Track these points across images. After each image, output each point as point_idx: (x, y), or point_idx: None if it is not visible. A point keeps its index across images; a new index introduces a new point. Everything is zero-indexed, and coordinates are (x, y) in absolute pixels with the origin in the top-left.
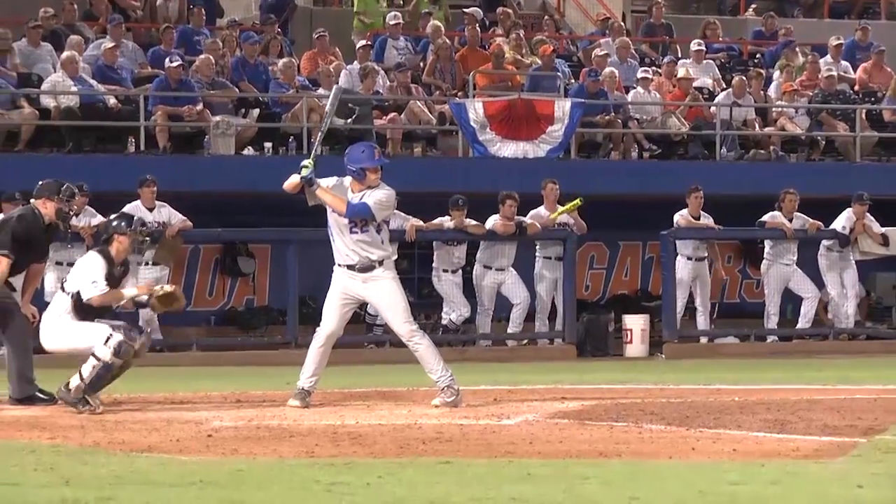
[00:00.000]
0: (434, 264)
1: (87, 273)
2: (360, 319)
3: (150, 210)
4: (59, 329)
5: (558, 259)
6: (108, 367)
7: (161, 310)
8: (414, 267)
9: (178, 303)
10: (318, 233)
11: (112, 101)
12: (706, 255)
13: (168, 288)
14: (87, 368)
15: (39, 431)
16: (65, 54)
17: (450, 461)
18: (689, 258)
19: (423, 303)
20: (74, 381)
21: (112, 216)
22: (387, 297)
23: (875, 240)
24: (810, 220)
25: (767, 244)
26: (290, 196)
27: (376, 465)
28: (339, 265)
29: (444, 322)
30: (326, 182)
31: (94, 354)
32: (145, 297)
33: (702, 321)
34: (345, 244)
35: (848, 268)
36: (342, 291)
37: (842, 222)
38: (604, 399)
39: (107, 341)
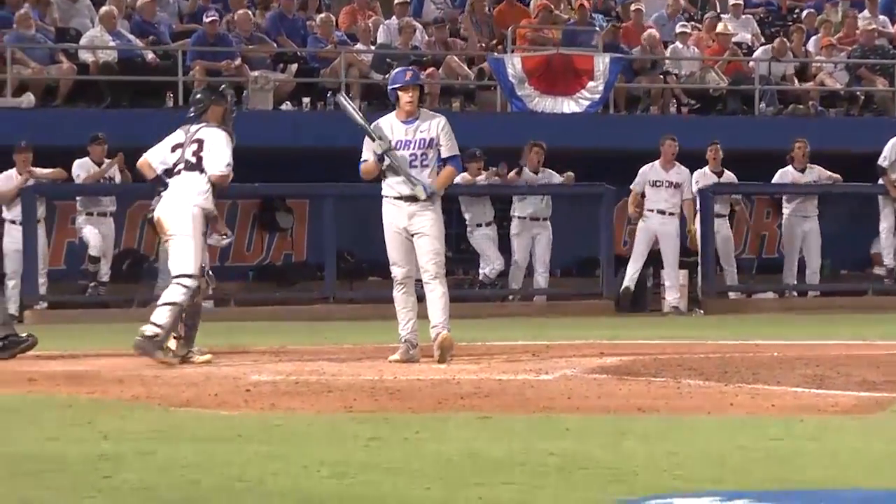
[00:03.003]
0: (467, 219)
1: (222, 151)
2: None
3: (99, 165)
4: (187, 219)
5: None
6: (180, 309)
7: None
8: (452, 222)
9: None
10: (355, 187)
11: (150, 55)
12: (726, 212)
13: None
14: (163, 315)
15: (78, 386)
16: (103, 9)
17: (488, 416)
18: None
19: (460, 258)
20: (150, 330)
21: (197, 90)
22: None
23: None
24: (827, 172)
25: (785, 199)
26: (328, 151)
27: (414, 420)
28: (387, 196)
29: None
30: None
31: (168, 302)
32: None
33: (729, 278)
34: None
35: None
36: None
37: (884, 153)
38: (642, 354)
39: (186, 282)
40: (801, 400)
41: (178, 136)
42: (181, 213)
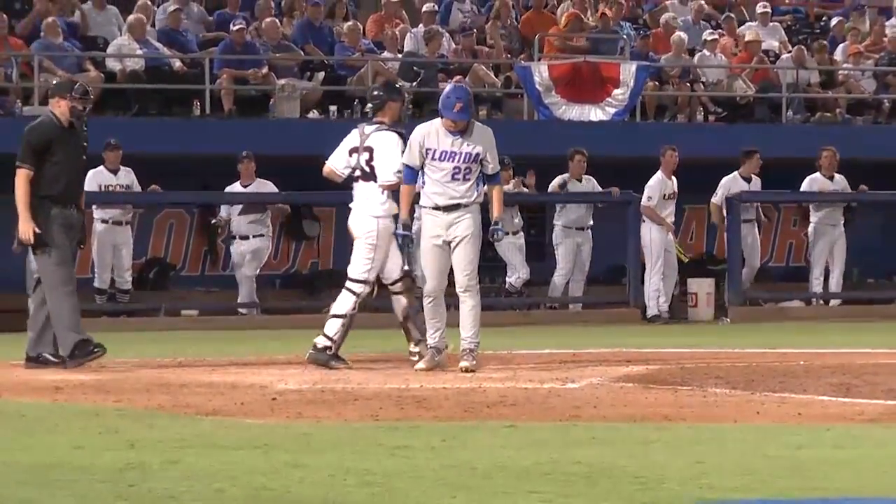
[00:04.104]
0: None
1: (390, 157)
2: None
3: (115, 173)
4: (369, 229)
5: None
6: (352, 318)
7: None
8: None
9: None
10: None
11: (177, 64)
12: (753, 217)
13: None
14: (333, 327)
15: (104, 394)
16: (132, 17)
17: (514, 425)
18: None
19: (487, 266)
20: (322, 342)
21: (378, 84)
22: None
23: None
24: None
25: (813, 207)
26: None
27: (441, 428)
28: (425, 207)
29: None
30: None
31: (336, 314)
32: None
33: (744, 276)
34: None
35: None
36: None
37: None
38: (669, 363)
39: (355, 287)
40: (827, 408)
41: (353, 137)
42: (363, 222)
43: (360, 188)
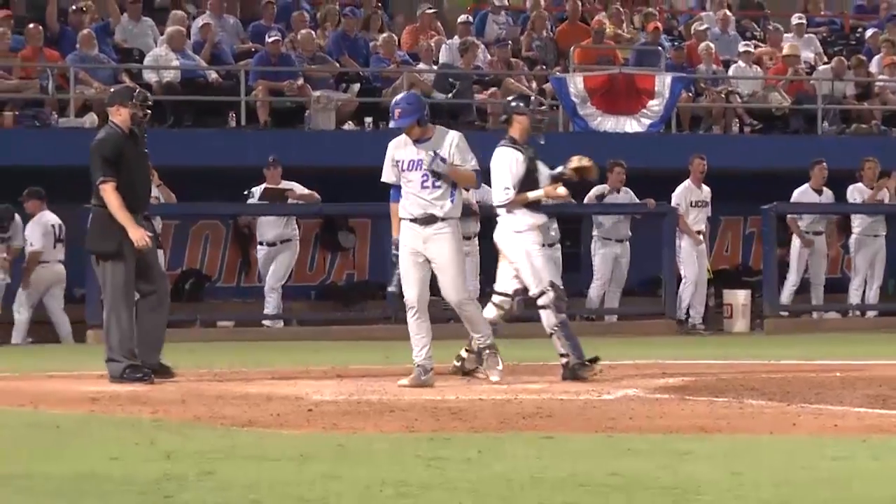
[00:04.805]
0: None
1: (498, 177)
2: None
3: (467, 191)
4: (514, 246)
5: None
6: (564, 325)
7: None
8: None
9: (592, 173)
10: None
11: (213, 75)
12: (823, 229)
13: (585, 161)
14: (556, 343)
15: (140, 406)
16: (172, 28)
17: (550, 436)
18: (806, 232)
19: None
20: (562, 361)
21: (510, 98)
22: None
23: None
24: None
25: (856, 218)
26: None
27: (476, 439)
28: (403, 219)
29: None
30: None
31: (551, 332)
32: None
33: (814, 296)
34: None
35: None
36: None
37: None
38: (704, 374)
39: (543, 301)
40: (863, 420)
41: None
42: (508, 240)
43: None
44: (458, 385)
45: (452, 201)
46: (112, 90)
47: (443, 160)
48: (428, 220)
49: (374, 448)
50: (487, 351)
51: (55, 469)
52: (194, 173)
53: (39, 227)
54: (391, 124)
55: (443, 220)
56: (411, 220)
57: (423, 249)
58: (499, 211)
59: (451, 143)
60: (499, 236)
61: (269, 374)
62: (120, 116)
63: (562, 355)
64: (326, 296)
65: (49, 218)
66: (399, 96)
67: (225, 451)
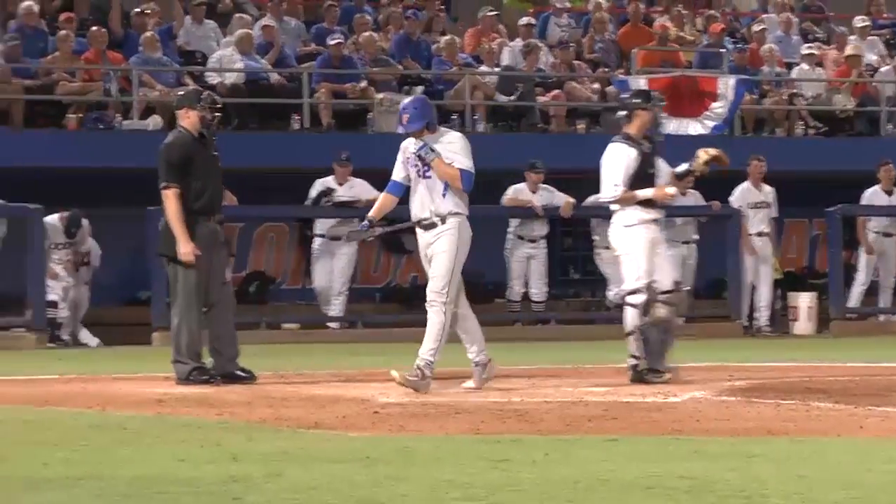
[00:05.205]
0: (595, 241)
1: (608, 172)
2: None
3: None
4: (623, 237)
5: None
6: (642, 332)
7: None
8: (580, 243)
9: (723, 160)
10: (482, 209)
11: (276, 78)
12: (894, 231)
13: (713, 151)
14: (632, 345)
15: (207, 408)
16: (240, 31)
17: (616, 438)
18: (877, 233)
19: (586, 279)
20: (631, 361)
21: (628, 93)
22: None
23: None
24: None
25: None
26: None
27: (542, 442)
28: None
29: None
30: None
31: (629, 332)
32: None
33: (881, 299)
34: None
35: None
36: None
37: None
38: (771, 377)
39: (631, 299)
40: None
41: None
42: (617, 234)
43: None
44: (524, 387)
45: (455, 201)
46: (180, 93)
47: (432, 149)
48: (429, 225)
49: (440, 450)
50: (419, 370)
51: (122, 471)
52: (258, 176)
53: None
54: (399, 129)
55: (443, 221)
56: (417, 225)
57: (427, 252)
58: (612, 207)
59: (449, 140)
60: (611, 232)
61: (334, 377)
62: (188, 120)
63: (633, 356)
64: (391, 298)
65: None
66: (406, 101)
67: (291, 453)
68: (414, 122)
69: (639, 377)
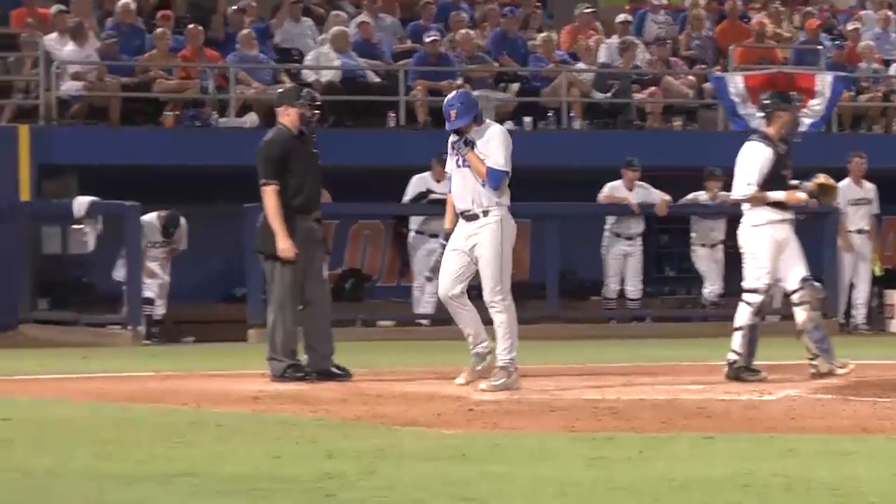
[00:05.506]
0: (691, 239)
1: (743, 170)
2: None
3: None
4: (752, 238)
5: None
6: (749, 330)
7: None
8: (676, 240)
9: (832, 196)
10: (577, 207)
11: (372, 75)
12: None
13: (831, 182)
14: (736, 341)
15: (302, 405)
16: (336, 28)
17: (712, 436)
18: None
19: (682, 277)
20: (731, 357)
21: (766, 94)
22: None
23: None
24: None
25: None
26: (549, 170)
27: (637, 439)
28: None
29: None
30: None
31: (737, 327)
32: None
33: None
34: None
35: None
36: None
37: None
38: (867, 374)
39: (749, 298)
40: None
41: None
42: (745, 233)
43: None
44: (619, 385)
45: (496, 194)
46: (280, 90)
47: (466, 142)
48: (471, 216)
49: (535, 447)
50: (502, 370)
51: (218, 468)
52: (353, 173)
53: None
54: (447, 126)
55: (484, 214)
56: (459, 215)
57: (465, 245)
58: (743, 206)
59: (489, 134)
60: (739, 230)
61: (429, 374)
62: (288, 117)
63: (734, 352)
64: None
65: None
66: (451, 95)
67: (386, 450)
68: (462, 118)
69: (735, 374)
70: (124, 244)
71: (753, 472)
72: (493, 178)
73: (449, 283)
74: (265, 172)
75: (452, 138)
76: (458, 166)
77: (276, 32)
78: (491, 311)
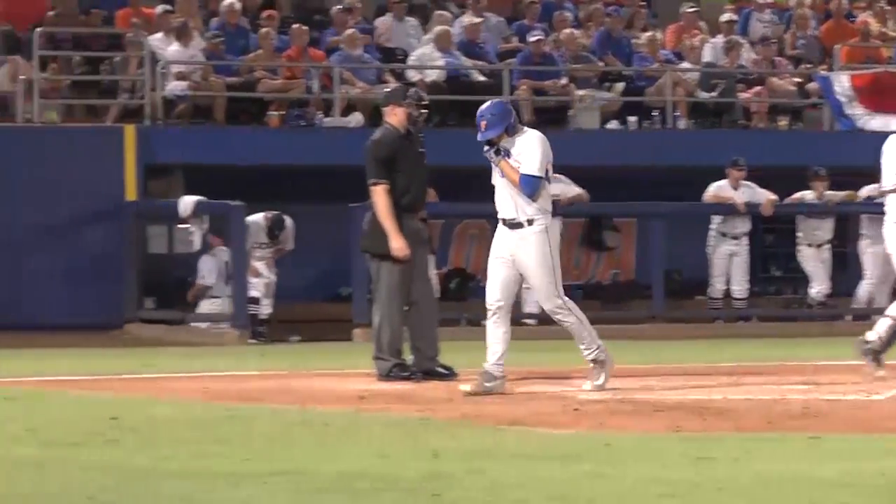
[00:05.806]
0: (797, 238)
1: (890, 164)
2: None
3: (736, 190)
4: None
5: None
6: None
7: None
8: (782, 240)
9: None
10: (682, 206)
11: (476, 75)
12: None
13: None
14: (882, 325)
15: (408, 404)
16: (439, 27)
17: (818, 437)
18: None
19: (788, 277)
20: (870, 336)
21: None
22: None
23: None
24: None
25: None
26: (655, 169)
27: (743, 439)
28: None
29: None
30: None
31: (890, 315)
32: None
33: None
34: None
35: None
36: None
37: None
38: None
39: None
40: None
41: None
42: (891, 229)
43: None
44: (725, 385)
45: (539, 204)
46: (387, 90)
47: (500, 151)
48: (513, 224)
49: (641, 447)
50: (592, 365)
51: (324, 467)
52: (458, 173)
53: (214, 263)
54: (479, 136)
55: (528, 224)
56: (502, 224)
57: (508, 252)
58: (887, 203)
59: (524, 141)
60: (884, 229)
61: (534, 373)
62: (395, 117)
63: (875, 332)
64: (592, 295)
65: (224, 256)
66: (484, 106)
67: (492, 449)
68: (492, 129)
69: (870, 353)
70: (229, 243)
71: (859, 471)
72: (526, 185)
73: (497, 292)
74: (374, 172)
75: (485, 149)
76: (501, 177)
77: (381, 32)
78: (555, 318)
